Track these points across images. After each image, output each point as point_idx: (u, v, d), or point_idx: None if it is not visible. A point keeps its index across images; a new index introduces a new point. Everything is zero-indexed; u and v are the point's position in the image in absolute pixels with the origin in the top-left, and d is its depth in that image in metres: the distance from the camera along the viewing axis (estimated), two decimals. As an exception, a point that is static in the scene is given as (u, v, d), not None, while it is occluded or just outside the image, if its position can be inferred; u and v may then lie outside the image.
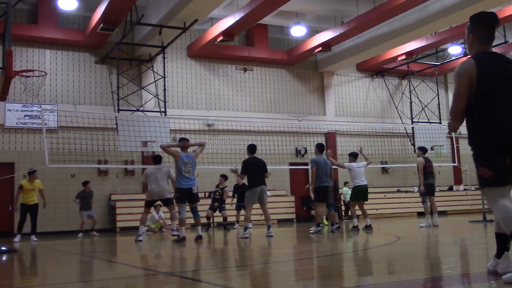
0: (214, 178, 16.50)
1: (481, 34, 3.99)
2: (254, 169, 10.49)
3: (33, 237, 12.58)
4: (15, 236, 12.67)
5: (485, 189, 3.90)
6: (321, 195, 11.01)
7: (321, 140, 19.72)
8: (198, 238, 9.63)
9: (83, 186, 14.48)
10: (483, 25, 3.99)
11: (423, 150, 12.33)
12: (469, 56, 4.06)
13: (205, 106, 18.49)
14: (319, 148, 11.38)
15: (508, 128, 3.77)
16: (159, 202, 12.04)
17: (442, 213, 19.78)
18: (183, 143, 10.09)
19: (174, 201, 10.32)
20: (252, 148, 10.83)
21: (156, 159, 11.44)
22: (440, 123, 21.30)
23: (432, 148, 20.08)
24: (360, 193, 11.54)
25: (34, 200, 12.80)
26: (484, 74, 3.83)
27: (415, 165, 14.31)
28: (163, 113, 16.47)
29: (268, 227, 10.48)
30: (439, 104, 21.75)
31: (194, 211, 9.94)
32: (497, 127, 3.78)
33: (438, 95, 21.78)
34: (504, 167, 3.75)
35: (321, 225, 11.39)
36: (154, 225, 14.63)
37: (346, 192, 16.85)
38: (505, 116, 3.80)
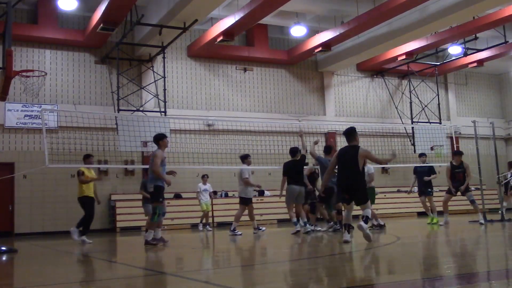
0: (214, 178, 16.52)
1: None
2: (293, 172, 11.01)
3: (85, 238, 10.64)
4: (82, 235, 10.61)
5: None
6: (326, 196, 10.78)
7: (322, 140, 19.71)
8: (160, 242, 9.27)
9: None
10: None
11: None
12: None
13: (205, 106, 18.49)
14: (326, 150, 11.46)
15: None
16: None
17: (442, 213, 19.77)
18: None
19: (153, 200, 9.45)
20: (293, 152, 11.39)
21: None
22: (440, 123, 21.29)
23: (432, 148, 20.08)
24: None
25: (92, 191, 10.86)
26: None
27: (415, 165, 14.35)
28: (163, 113, 16.46)
29: (305, 223, 10.93)
30: (439, 104, 21.73)
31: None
32: None
33: (438, 95, 21.76)
34: None
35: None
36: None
37: None
38: None
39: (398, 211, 18.94)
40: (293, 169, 11.09)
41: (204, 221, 14.85)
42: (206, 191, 14.72)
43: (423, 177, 13.33)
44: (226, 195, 17.37)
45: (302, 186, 11.08)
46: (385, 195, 19.14)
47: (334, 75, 20.88)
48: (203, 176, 14.91)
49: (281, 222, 16.85)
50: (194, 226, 15.52)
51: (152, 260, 7.64)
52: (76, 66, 16.94)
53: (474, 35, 18.36)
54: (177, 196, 16.82)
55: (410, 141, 20.47)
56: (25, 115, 15.84)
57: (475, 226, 11.89)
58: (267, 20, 17.06)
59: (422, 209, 20.23)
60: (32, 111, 15.85)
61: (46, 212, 15.64)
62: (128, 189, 16.77)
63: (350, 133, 8.49)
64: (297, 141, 19.32)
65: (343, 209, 11.57)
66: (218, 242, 10.60)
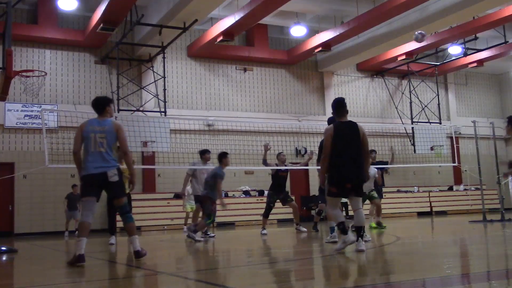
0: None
1: None
2: None
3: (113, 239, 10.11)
4: (111, 238, 10.09)
5: None
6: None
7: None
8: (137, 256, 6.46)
9: (71, 188, 14.95)
10: None
11: None
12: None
13: (205, 106, 18.49)
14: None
15: None
16: None
17: (442, 213, 19.80)
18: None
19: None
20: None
21: None
22: (440, 123, 21.30)
23: (432, 148, 20.08)
24: None
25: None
26: None
27: (415, 165, 14.31)
28: (163, 113, 16.47)
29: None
30: (439, 104, 21.74)
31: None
32: None
33: (438, 95, 21.77)
34: None
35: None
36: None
37: None
38: None
39: (398, 211, 18.95)
40: None
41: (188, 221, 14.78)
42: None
43: None
44: (226, 195, 17.36)
45: None
46: (385, 195, 19.14)
47: (334, 75, 20.88)
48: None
49: (281, 222, 16.86)
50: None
51: (152, 260, 7.64)
52: (76, 66, 16.94)
53: (474, 35, 18.37)
54: (177, 196, 16.81)
55: (410, 141, 20.48)
56: (25, 115, 15.85)
57: (475, 226, 11.89)
58: (267, 20, 17.07)
59: (422, 209, 20.40)
60: (32, 111, 15.85)
61: (46, 212, 15.64)
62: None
63: (343, 104, 6.74)
64: (297, 141, 19.41)
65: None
66: (218, 242, 10.59)
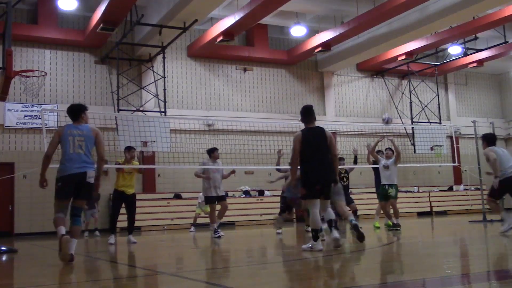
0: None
1: None
2: None
3: (131, 237, 10.16)
4: (110, 237, 10.07)
5: None
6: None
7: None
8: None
9: None
10: None
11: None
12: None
13: (205, 106, 18.49)
14: None
15: None
16: None
17: (442, 213, 19.80)
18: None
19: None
20: None
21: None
22: (440, 123, 21.29)
23: (432, 148, 20.08)
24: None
25: (132, 189, 10.32)
26: None
27: (415, 165, 14.29)
28: (163, 113, 16.47)
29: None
30: (439, 104, 21.73)
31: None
32: None
33: (438, 95, 21.76)
34: None
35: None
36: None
37: None
38: None
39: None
40: None
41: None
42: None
43: None
44: (226, 195, 17.35)
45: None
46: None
47: (334, 75, 20.88)
48: None
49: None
50: (194, 226, 15.52)
51: (152, 260, 7.64)
52: (76, 66, 16.94)
53: (474, 35, 18.36)
54: (177, 196, 16.83)
55: (410, 141, 20.48)
56: (25, 115, 15.84)
57: (475, 226, 11.89)
58: (267, 20, 17.06)
59: (422, 209, 20.39)
60: (32, 111, 15.85)
61: (46, 212, 15.58)
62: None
63: (311, 112, 7.29)
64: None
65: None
66: (218, 242, 10.59)
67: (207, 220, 11.97)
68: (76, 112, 7.10)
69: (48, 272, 6.21)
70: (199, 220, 14.58)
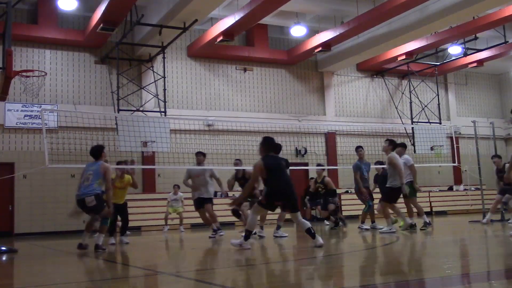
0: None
1: None
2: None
3: (123, 238, 10.59)
4: (110, 238, 10.31)
5: None
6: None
7: (321, 140, 19.72)
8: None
9: None
10: None
11: None
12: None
13: (205, 106, 18.49)
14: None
15: None
16: None
17: (442, 213, 19.79)
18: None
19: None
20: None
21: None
22: (440, 123, 21.29)
23: (432, 148, 20.08)
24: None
25: (123, 199, 10.84)
26: None
27: (415, 165, 14.23)
28: (163, 113, 16.47)
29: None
30: (439, 104, 21.73)
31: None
32: None
33: (438, 95, 21.76)
34: None
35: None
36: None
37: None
38: None
39: (398, 211, 18.90)
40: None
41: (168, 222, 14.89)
42: (176, 201, 14.71)
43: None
44: (227, 195, 17.34)
45: None
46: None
47: (334, 75, 20.88)
48: (174, 186, 14.84)
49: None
50: (194, 226, 15.53)
51: (152, 260, 7.64)
52: (76, 66, 16.94)
53: (474, 35, 18.37)
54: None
55: (410, 141, 20.47)
56: (25, 115, 15.84)
57: (475, 226, 11.89)
58: (267, 20, 17.06)
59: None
60: (32, 111, 15.85)
61: (46, 212, 15.63)
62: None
63: (271, 143, 8.07)
64: (297, 141, 19.39)
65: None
66: (218, 242, 10.59)
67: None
68: (94, 153, 8.80)
69: (48, 272, 6.20)
70: (198, 220, 14.58)
